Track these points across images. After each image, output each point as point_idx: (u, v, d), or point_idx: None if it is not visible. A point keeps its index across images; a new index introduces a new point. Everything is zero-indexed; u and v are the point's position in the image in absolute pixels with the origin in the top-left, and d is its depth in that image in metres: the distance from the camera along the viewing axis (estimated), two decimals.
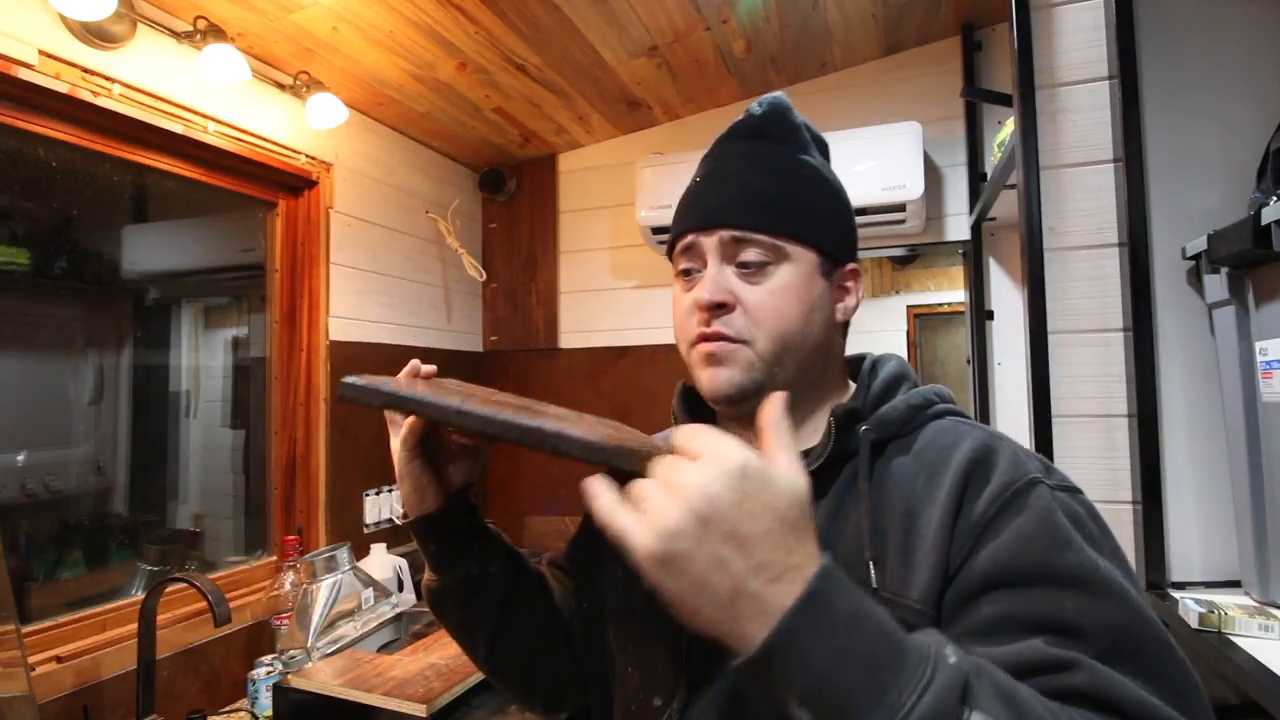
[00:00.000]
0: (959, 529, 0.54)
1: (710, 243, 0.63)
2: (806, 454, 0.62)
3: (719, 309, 0.62)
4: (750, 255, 0.62)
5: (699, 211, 0.65)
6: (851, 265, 0.67)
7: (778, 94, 0.69)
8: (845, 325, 0.68)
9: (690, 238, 0.65)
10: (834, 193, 0.67)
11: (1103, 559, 0.51)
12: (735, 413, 0.65)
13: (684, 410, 0.73)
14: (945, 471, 0.57)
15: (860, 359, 0.70)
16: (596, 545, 0.72)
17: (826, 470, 0.61)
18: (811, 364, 0.64)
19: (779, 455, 0.44)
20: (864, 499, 0.58)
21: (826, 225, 0.65)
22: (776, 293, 0.62)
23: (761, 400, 0.59)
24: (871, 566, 0.56)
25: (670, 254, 0.71)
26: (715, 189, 0.66)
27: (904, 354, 2.20)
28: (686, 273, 0.66)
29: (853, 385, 0.68)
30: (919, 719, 0.37)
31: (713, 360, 0.62)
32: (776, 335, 0.62)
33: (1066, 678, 0.46)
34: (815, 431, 0.65)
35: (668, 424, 0.81)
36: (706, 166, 0.69)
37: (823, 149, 0.70)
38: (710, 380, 0.63)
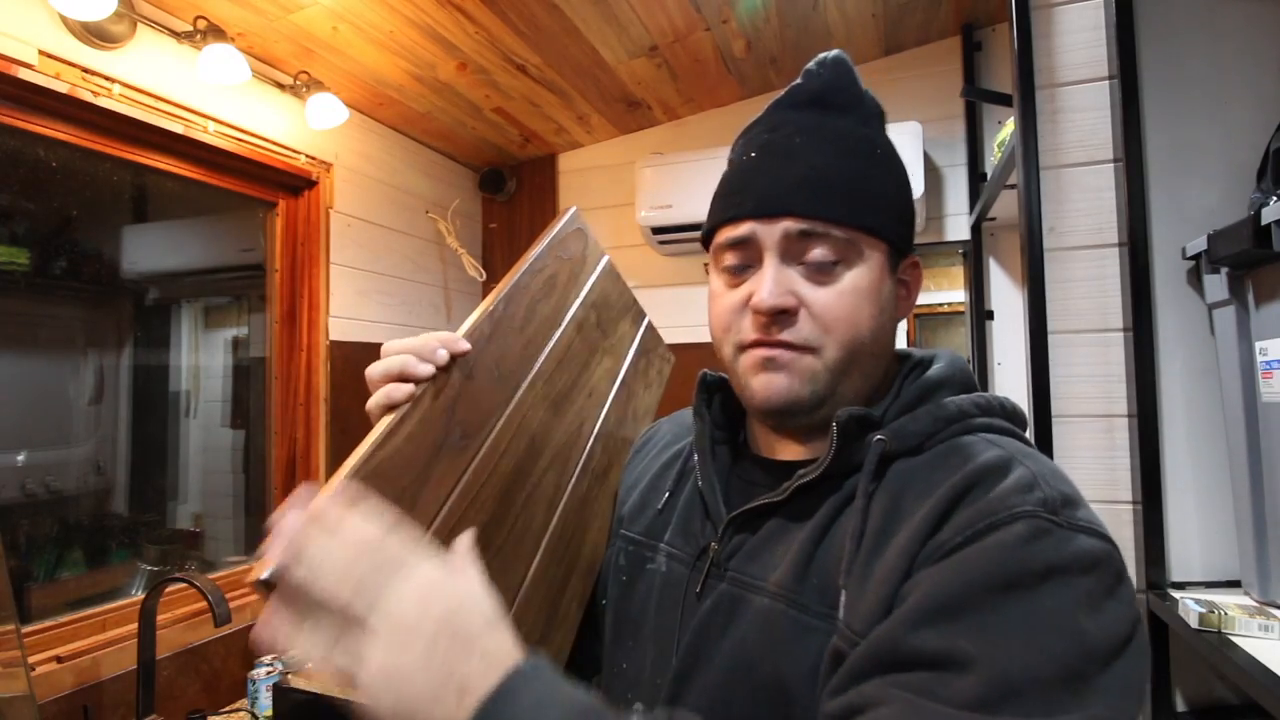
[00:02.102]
0: (920, 557, 0.46)
1: (772, 236, 0.54)
2: (810, 463, 0.56)
3: (782, 315, 0.54)
4: (821, 252, 0.53)
5: (756, 194, 0.55)
6: (914, 257, 0.59)
7: (838, 53, 0.59)
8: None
9: (746, 227, 0.55)
10: (903, 176, 0.59)
11: (1074, 612, 0.41)
12: (778, 424, 0.59)
13: (704, 403, 0.66)
14: (936, 490, 0.48)
15: (908, 356, 0.61)
16: (610, 533, 0.71)
17: (825, 483, 0.54)
18: (875, 370, 0.57)
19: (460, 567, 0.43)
20: (856, 517, 0.51)
21: (897, 215, 0.57)
22: (848, 295, 0.54)
23: (816, 416, 0.56)
24: (843, 595, 0.48)
25: (706, 241, 0.60)
26: (776, 167, 0.55)
27: None
28: (736, 266, 0.57)
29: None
30: None
31: (770, 365, 0.54)
32: (848, 343, 0.54)
33: (874, 715, 0.39)
34: None
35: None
36: (760, 139, 0.57)
37: (883, 121, 0.61)
38: (764, 387, 0.55)
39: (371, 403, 0.52)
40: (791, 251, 0.54)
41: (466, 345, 0.55)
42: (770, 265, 0.54)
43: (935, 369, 0.58)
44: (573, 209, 0.72)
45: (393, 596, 0.40)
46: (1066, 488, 0.47)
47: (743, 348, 0.56)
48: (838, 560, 0.51)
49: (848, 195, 0.54)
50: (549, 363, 0.63)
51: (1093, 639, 0.40)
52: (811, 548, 0.53)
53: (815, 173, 0.54)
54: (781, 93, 0.59)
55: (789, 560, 0.53)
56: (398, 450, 0.49)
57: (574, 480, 0.63)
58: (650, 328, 0.81)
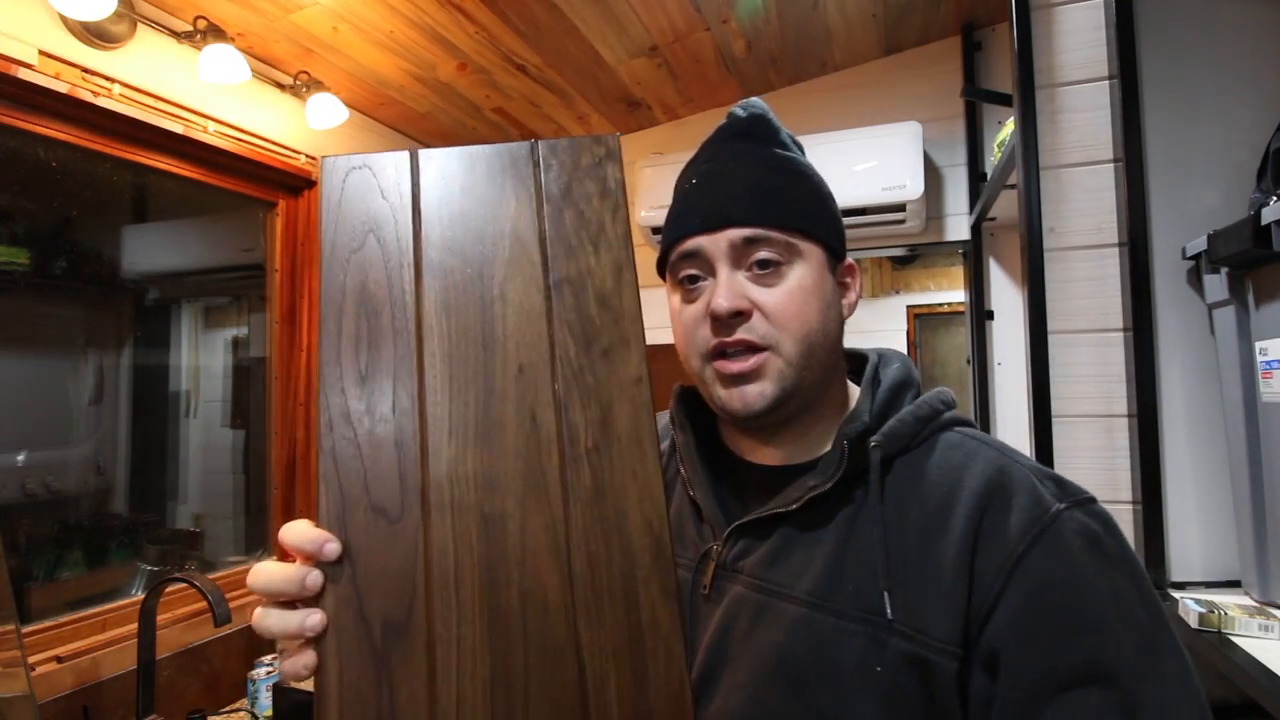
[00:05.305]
0: (982, 565, 0.52)
1: (718, 247, 0.59)
2: (814, 464, 0.60)
3: (737, 317, 0.58)
4: (764, 254, 0.59)
5: (701, 213, 0.61)
6: (849, 260, 0.66)
7: (755, 99, 0.68)
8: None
9: (693, 241, 0.60)
10: (826, 190, 0.66)
11: (1119, 580, 0.50)
12: (758, 424, 0.62)
13: (683, 413, 0.69)
14: (958, 497, 0.55)
15: (861, 356, 0.67)
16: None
17: (832, 494, 0.58)
18: (829, 363, 0.62)
19: None
20: (878, 525, 0.56)
21: (827, 221, 0.63)
22: (795, 293, 0.59)
23: (782, 414, 0.60)
24: (886, 597, 0.53)
25: (662, 266, 0.65)
26: (717, 189, 0.61)
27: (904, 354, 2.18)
28: (690, 279, 0.61)
29: (853, 387, 0.66)
30: None
31: (739, 380, 0.59)
32: (802, 337, 0.59)
33: None
34: (823, 436, 0.63)
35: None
36: (700, 168, 0.65)
37: (801, 150, 0.69)
38: (738, 399, 0.59)
39: (260, 626, 0.49)
40: (739, 259, 0.59)
41: (336, 548, 0.50)
42: (723, 273, 0.59)
43: (894, 371, 0.64)
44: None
45: None
46: (1043, 469, 0.56)
47: (708, 358, 0.60)
48: (869, 568, 0.55)
49: (781, 203, 0.60)
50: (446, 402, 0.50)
51: (1131, 596, 0.50)
52: (838, 556, 0.56)
53: (751, 188, 0.60)
54: (714, 131, 0.67)
55: (817, 569, 0.57)
56: (345, 702, 0.46)
57: (567, 500, 0.49)
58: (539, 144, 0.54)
